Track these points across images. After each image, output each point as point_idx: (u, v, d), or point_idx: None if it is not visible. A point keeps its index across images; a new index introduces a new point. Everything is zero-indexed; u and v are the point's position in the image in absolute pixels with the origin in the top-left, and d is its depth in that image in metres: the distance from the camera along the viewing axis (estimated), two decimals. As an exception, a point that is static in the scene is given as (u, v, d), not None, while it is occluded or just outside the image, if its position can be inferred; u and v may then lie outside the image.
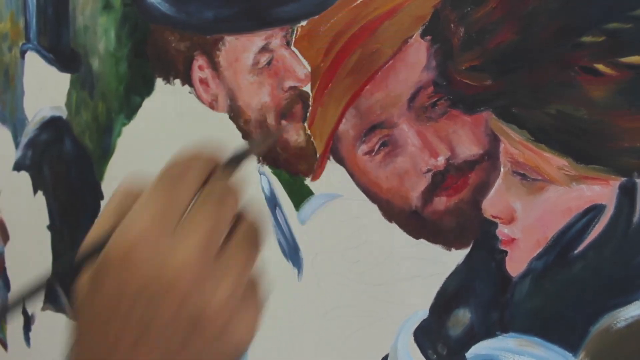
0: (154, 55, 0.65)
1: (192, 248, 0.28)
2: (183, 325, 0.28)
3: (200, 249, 0.29)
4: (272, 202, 0.56)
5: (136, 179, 0.32)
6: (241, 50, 0.55)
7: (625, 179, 0.37)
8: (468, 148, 0.43)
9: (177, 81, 0.63)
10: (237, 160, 0.34)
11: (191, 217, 0.29)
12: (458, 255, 0.44)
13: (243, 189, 0.32)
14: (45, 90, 0.86)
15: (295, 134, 0.52)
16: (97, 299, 0.29)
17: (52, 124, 0.85)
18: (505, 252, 0.42)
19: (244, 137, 0.57)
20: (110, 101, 0.73)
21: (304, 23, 0.50)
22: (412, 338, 0.47)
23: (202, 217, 0.29)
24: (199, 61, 0.60)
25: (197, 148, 0.32)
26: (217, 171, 0.32)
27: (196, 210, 0.30)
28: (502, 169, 0.41)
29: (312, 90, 0.50)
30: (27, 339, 0.99)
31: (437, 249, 0.45)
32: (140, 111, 0.69)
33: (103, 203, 0.78)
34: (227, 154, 0.34)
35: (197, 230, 0.29)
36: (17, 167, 0.95)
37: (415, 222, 0.46)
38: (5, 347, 1.07)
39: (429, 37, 0.43)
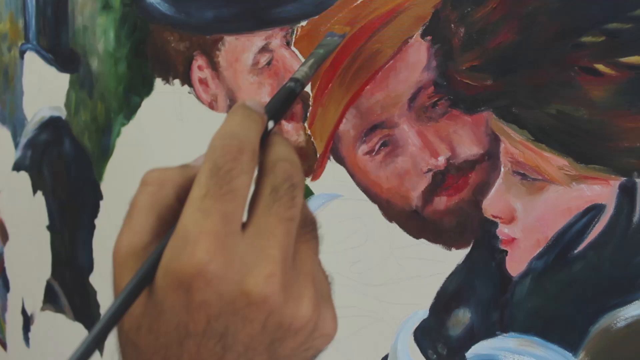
0: (153, 56, 0.65)
1: (273, 257, 0.26)
2: (272, 334, 0.27)
3: (281, 256, 0.27)
4: (272, 202, 0.56)
5: (160, 170, 0.29)
6: (241, 50, 0.55)
7: (625, 179, 0.37)
8: (468, 148, 0.43)
9: (177, 81, 0.63)
10: (283, 105, 0.32)
11: (263, 221, 0.27)
12: (458, 255, 0.44)
13: (300, 167, 0.29)
14: (44, 90, 0.86)
15: (295, 134, 0.52)
16: (162, 321, 0.27)
17: (51, 124, 0.85)
18: (506, 252, 0.42)
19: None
20: (109, 101, 0.73)
21: (304, 23, 0.50)
22: (412, 338, 0.47)
23: (274, 221, 0.27)
24: (199, 61, 0.59)
25: (235, 125, 0.29)
26: (272, 140, 0.29)
27: (267, 212, 0.27)
28: (502, 169, 0.41)
29: (312, 90, 0.50)
30: (27, 339, 0.99)
31: (437, 249, 0.45)
32: (140, 111, 0.69)
33: (102, 203, 0.78)
34: (271, 102, 0.31)
35: (274, 238, 0.27)
36: (17, 167, 0.95)
37: (416, 222, 0.46)
38: (4, 347, 1.07)
39: (429, 37, 0.43)
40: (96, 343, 0.26)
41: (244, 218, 0.28)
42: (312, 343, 0.29)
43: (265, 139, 0.30)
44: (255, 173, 0.29)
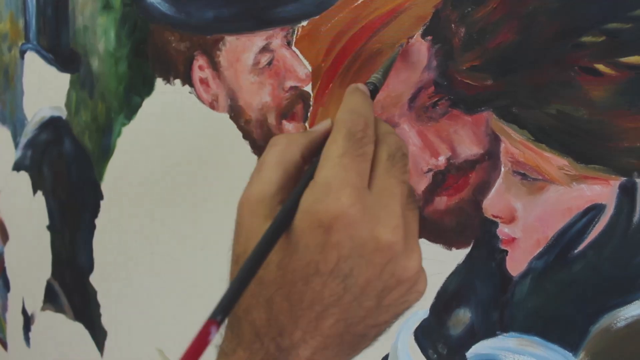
0: (153, 55, 0.65)
1: (396, 212, 0.30)
2: (385, 281, 0.31)
3: (401, 213, 0.31)
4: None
5: (286, 134, 0.33)
6: (242, 50, 0.55)
7: (625, 178, 0.37)
8: (469, 148, 0.43)
9: (177, 81, 0.63)
10: (375, 90, 0.37)
11: (385, 182, 0.31)
12: (458, 255, 0.44)
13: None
14: (44, 90, 0.86)
15: (296, 134, 0.52)
16: (294, 258, 0.30)
17: (51, 124, 0.85)
18: (506, 252, 0.42)
19: (244, 137, 0.57)
20: (110, 101, 0.73)
21: (304, 23, 0.50)
22: (413, 337, 0.47)
23: (394, 182, 0.31)
24: (199, 61, 0.60)
25: (359, 106, 0.34)
26: (377, 122, 0.34)
27: (387, 174, 0.32)
28: (502, 169, 0.41)
29: (313, 90, 0.50)
30: (27, 339, 0.99)
31: (438, 249, 0.45)
32: (140, 111, 0.69)
33: (103, 203, 0.78)
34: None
35: (395, 197, 0.31)
36: (17, 167, 0.94)
37: (416, 222, 0.46)
38: (5, 347, 1.07)
39: (429, 37, 0.43)
40: (249, 276, 0.29)
41: None
42: (409, 297, 0.33)
43: None
44: None
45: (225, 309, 0.27)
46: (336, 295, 0.30)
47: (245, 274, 0.28)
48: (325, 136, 0.34)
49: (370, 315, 0.31)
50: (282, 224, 0.30)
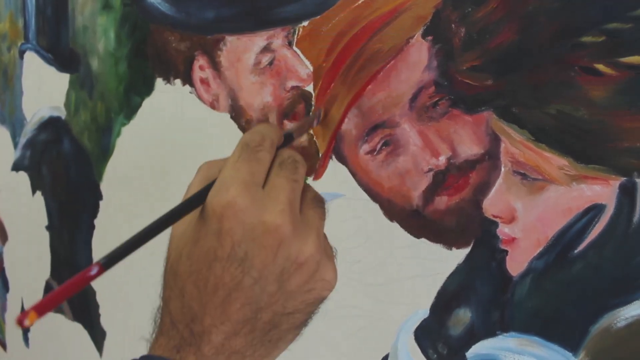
0: (154, 55, 0.65)
1: (282, 204, 0.34)
2: (282, 264, 0.34)
3: (288, 201, 0.35)
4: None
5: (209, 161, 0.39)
6: (242, 50, 0.55)
7: (625, 178, 0.37)
8: (469, 148, 0.43)
9: (178, 81, 0.63)
10: (289, 136, 0.42)
11: (275, 180, 0.36)
12: (459, 255, 0.44)
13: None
14: (44, 90, 0.86)
15: (297, 134, 0.52)
16: (197, 247, 0.34)
17: (50, 124, 0.85)
18: (506, 252, 0.42)
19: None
20: (109, 101, 0.73)
21: (305, 23, 0.50)
22: (413, 337, 0.47)
23: (283, 180, 0.36)
24: (200, 61, 0.60)
25: (261, 127, 0.39)
26: (280, 144, 0.39)
27: (277, 175, 0.36)
28: (502, 169, 0.42)
29: (314, 90, 0.50)
30: (26, 340, 0.99)
31: (438, 249, 0.45)
32: (140, 111, 0.69)
33: (102, 203, 0.78)
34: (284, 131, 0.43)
35: (283, 190, 0.35)
36: (16, 167, 0.94)
37: (417, 222, 0.46)
38: (4, 347, 1.07)
39: (430, 37, 0.43)
40: (144, 237, 0.34)
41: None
42: (314, 284, 0.35)
43: None
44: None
45: (111, 258, 0.32)
46: (236, 279, 0.33)
47: (142, 234, 0.34)
48: None
49: (276, 301, 0.34)
50: (184, 208, 0.36)
